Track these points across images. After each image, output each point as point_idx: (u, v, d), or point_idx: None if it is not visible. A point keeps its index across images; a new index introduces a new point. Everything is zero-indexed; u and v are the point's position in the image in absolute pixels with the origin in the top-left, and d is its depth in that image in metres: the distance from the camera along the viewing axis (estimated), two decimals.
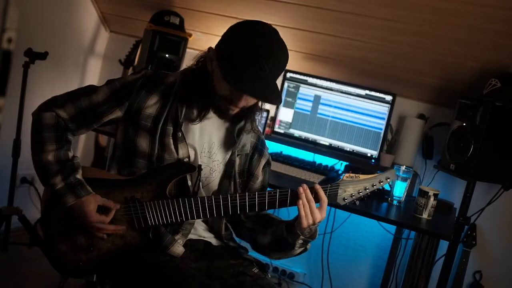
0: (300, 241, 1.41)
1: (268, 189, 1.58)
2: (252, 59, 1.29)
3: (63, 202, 1.39)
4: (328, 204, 1.40)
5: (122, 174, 1.48)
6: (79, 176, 1.42)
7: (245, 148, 1.53)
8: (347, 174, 1.41)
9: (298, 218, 1.37)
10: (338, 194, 1.39)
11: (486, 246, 2.47)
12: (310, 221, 1.35)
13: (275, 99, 1.36)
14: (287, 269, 2.83)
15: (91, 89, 1.47)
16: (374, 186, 1.40)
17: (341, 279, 2.76)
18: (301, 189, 1.35)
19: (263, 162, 1.58)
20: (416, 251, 2.51)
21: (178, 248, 1.42)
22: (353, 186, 1.40)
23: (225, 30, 1.40)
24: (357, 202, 1.42)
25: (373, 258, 2.72)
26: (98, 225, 1.38)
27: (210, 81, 1.39)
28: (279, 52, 1.33)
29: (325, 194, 1.38)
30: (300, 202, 1.35)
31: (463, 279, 2.37)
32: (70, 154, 1.44)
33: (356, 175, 1.41)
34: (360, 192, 1.40)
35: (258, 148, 1.58)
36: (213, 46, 1.41)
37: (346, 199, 1.40)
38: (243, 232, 1.59)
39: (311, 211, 1.35)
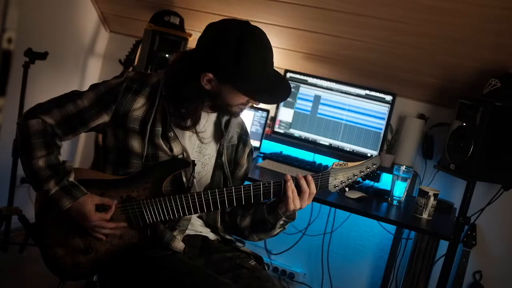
0: (281, 222, 1.47)
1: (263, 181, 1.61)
2: (263, 68, 1.37)
3: (60, 206, 1.38)
4: (318, 199, 1.45)
5: (118, 175, 1.48)
6: (71, 179, 1.41)
7: (232, 139, 1.57)
8: (336, 163, 1.47)
9: (284, 200, 1.41)
10: (329, 182, 1.45)
11: (486, 246, 2.47)
12: (298, 206, 1.40)
13: (289, 92, 1.45)
14: (287, 269, 2.83)
15: (76, 94, 1.46)
16: (362, 173, 1.47)
17: (341, 279, 2.76)
18: (288, 176, 1.40)
19: (247, 151, 1.62)
20: (416, 251, 2.51)
21: (179, 244, 1.44)
22: (343, 174, 1.46)
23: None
24: (347, 189, 1.48)
25: (373, 258, 2.72)
26: (99, 223, 1.38)
27: (215, 97, 1.41)
28: (270, 48, 1.40)
29: (317, 183, 1.43)
30: (288, 184, 1.39)
31: (463, 279, 2.37)
32: (61, 158, 1.44)
33: (345, 163, 1.47)
34: (350, 179, 1.46)
35: (242, 137, 1.62)
36: (192, 50, 1.43)
37: (337, 186, 1.46)
38: (225, 218, 1.61)
39: (301, 197, 1.40)
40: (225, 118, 1.52)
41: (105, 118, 1.44)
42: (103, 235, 1.41)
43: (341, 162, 1.47)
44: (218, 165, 1.54)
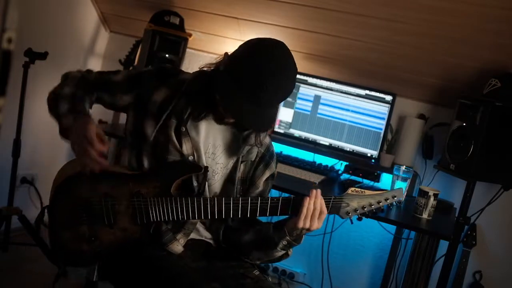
0: (285, 242, 1.41)
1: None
2: (252, 82, 1.27)
3: (65, 128, 1.42)
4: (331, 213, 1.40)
5: (131, 160, 1.50)
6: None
7: (250, 155, 1.52)
8: (352, 188, 1.39)
9: (295, 216, 1.36)
10: (341, 207, 1.39)
11: (486, 246, 2.47)
12: (307, 225, 1.35)
13: (259, 126, 1.36)
14: (287, 269, 2.83)
15: (114, 71, 1.55)
16: (380, 203, 1.39)
17: (341, 279, 2.76)
18: (314, 191, 1.35)
19: (267, 174, 1.56)
20: (416, 251, 2.51)
21: (177, 247, 1.44)
22: (358, 201, 1.39)
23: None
24: (361, 218, 1.41)
25: (373, 258, 2.72)
26: (88, 143, 1.34)
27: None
28: (284, 82, 1.30)
29: (328, 206, 1.38)
30: (307, 201, 1.34)
31: (463, 279, 2.37)
32: (87, 107, 1.49)
33: (362, 190, 1.39)
34: (365, 208, 1.39)
35: (266, 159, 1.56)
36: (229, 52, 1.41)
37: (349, 213, 1.39)
38: (227, 233, 1.57)
39: (313, 216, 1.35)
40: (245, 133, 1.49)
41: (128, 99, 1.49)
42: (91, 158, 1.36)
43: (357, 188, 1.39)
44: (230, 179, 1.51)
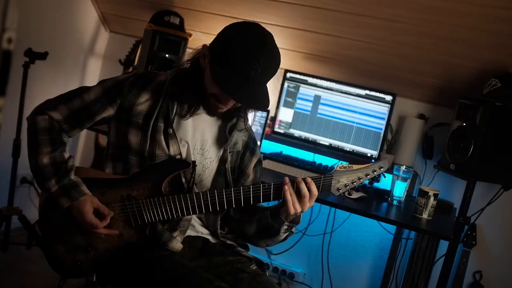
0: (285, 227, 1.43)
1: None
2: (244, 62, 1.30)
3: (59, 204, 1.40)
4: (318, 199, 1.41)
5: (116, 171, 1.49)
6: (72, 177, 1.42)
7: (237, 145, 1.54)
8: (340, 165, 1.41)
9: (284, 205, 1.38)
10: (332, 185, 1.40)
11: (486, 246, 2.47)
12: (298, 210, 1.36)
13: (262, 105, 1.37)
14: (287, 269, 2.83)
15: (83, 89, 1.49)
16: (368, 176, 1.41)
17: (341, 279, 2.76)
18: (286, 179, 1.37)
19: (254, 160, 1.59)
20: (416, 251, 2.51)
21: (177, 244, 1.44)
22: (347, 176, 1.40)
23: None
24: (352, 192, 1.43)
25: (373, 258, 2.72)
26: (90, 228, 1.40)
27: (201, 78, 1.40)
28: (272, 57, 1.34)
29: (319, 185, 1.39)
30: (286, 188, 1.35)
31: (463, 279, 2.37)
32: (66, 155, 1.45)
33: (349, 165, 1.41)
34: (354, 182, 1.41)
35: (250, 146, 1.58)
36: (208, 44, 1.42)
37: (340, 189, 1.41)
38: (232, 225, 1.60)
39: (303, 201, 1.36)
40: (230, 124, 1.51)
41: (110, 112, 1.46)
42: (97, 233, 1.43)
43: (345, 164, 1.41)
44: (220, 171, 1.52)
